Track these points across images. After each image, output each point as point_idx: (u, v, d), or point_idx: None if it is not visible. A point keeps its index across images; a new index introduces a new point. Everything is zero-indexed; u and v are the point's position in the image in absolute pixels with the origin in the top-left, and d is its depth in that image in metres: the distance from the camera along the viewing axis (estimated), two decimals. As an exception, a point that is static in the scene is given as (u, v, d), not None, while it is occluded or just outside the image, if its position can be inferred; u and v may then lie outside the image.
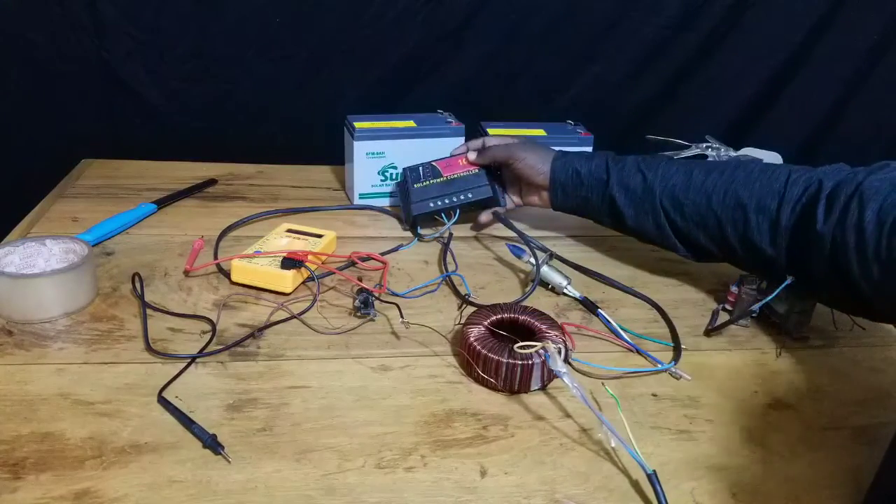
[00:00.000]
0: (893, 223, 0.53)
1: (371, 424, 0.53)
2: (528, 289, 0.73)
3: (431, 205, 0.84)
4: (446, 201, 0.84)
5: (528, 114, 1.04)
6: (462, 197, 0.84)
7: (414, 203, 0.84)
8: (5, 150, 1.03)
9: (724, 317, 0.70)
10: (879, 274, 0.54)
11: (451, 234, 0.82)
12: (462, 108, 0.97)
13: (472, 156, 0.85)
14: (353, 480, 0.47)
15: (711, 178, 0.69)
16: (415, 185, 0.85)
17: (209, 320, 0.63)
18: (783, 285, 0.65)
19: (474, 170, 0.85)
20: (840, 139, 1.19)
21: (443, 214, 0.83)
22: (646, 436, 0.53)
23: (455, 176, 0.85)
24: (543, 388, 0.58)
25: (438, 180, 0.85)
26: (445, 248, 0.80)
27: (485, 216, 0.86)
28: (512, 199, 0.87)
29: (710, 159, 0.99)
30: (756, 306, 0.66)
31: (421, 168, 0.87)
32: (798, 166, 0.66)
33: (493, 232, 0.87)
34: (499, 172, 0.86)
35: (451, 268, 0.76)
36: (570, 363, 0.60)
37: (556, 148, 0.82)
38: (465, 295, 0.70)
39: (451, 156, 0.88)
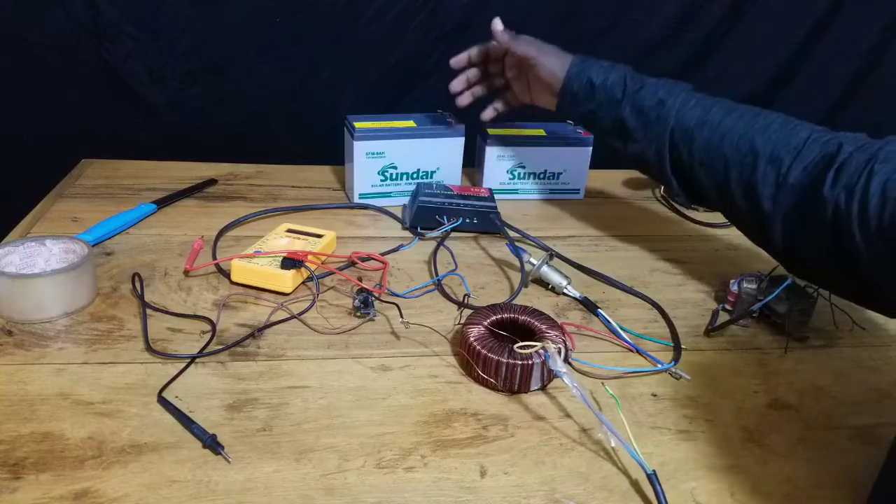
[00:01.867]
0: None
1: (371, 424, 0.53)
2: (520, 288, 0.73)
3: (438, 202, 0.87)
4: (453, 205, 0.87)
5: (528, 114, 1.04)
6: (469, 206, 0.87)
7: (421, 197, 0.87)
8: (5, 150, 1.03)
9: (724, 317, 0.70)
10: (886, 251, 0.52)
11: (446, 235, 0.84)
12: (462, 108, 0.97)
13: (498, 24, 0.82)
14: (353, 480, 0.48)
15: (730, 118, 0.67)
16: (426, 190, 0.89)
17: (209, 320, 0.63)
18: (783, 285, 0.65)
19: (483, 193, 0.90)
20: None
21: (445, 217, 0.85)
22: (646, 436, 0.53)
23: (466, 194, 0.90)
24: (543, 388, 0.58)
25: (449, 193, 0.90)
26: (439, 245, 0.81)
27: (489, 112, 0.89)
28: (516, 97, 0.88)
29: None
30: (756, 306, 0.66)
31: (434, 184, 0.92)
32: (821, 127, 0.63)
33: (493, 232, 0.87)
34: (502, 80, 0.88)
35: (449, 267, 0.76)
36: (570, 363, 0.60)
37: (576, 56, 0.80)
38: (465, 295, 0.70)
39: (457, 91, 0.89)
